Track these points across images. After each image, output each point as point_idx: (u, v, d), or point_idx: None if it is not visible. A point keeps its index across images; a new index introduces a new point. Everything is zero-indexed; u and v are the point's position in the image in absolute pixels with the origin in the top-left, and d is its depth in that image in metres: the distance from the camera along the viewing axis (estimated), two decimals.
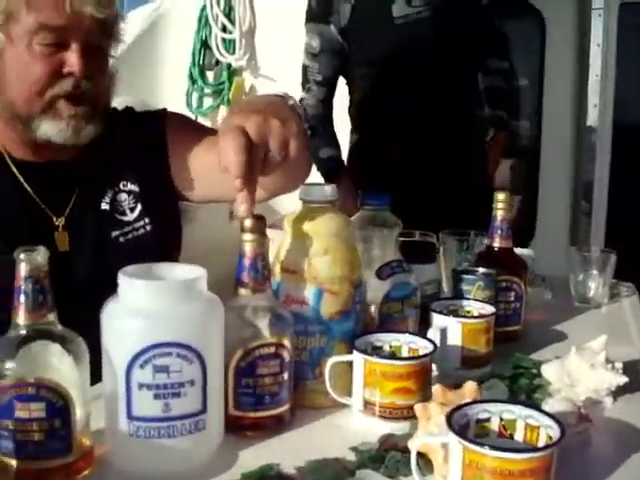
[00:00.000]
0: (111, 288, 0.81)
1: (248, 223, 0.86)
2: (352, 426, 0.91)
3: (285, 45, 3.15)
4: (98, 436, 0.81)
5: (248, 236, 0.86)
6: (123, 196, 1.25)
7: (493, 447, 0.64)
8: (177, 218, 1.31)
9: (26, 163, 1.20)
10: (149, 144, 1.27)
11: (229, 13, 3.17)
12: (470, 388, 0.81)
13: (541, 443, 0.69)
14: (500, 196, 1.26)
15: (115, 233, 1.22)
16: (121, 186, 1.25)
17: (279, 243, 0.96)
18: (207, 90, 3.28)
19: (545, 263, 2.25)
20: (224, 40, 3.19)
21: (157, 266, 0.84)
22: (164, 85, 3.22)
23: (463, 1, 2.00)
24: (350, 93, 2.07)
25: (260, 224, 0.86)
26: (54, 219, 1.19)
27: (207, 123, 2.85)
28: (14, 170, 1.18)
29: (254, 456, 0.83)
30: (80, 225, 1.21)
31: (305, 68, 2.01)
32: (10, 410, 0.73)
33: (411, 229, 1.24)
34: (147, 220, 1.24)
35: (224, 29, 3.18)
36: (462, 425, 0.70)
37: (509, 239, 1.27)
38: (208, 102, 3.28)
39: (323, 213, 0.95)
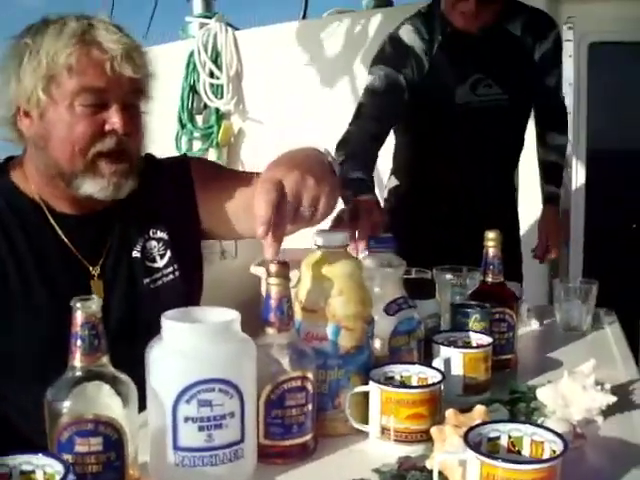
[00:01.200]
0: (143, 331, 0.90)
1: (274, 268, 0.95)
2: (371, 451, 1.00)
3: (271, 89, 3.30)
4: (143, 469, 0.89)
5: (274, 280, 0.95)
6: (153, 243, 1.31)
7: (506, 460, 0.73)
8: (201, 262, 1.39)
9: (63, 215, 1.26)
10: (177, 191, 1.34)
11: (216, 59, 3.30)
12: (479, 410, 0.90)
13: (546, 456, 0.79)
14: (490, 234, 1.36)
15: (146, 280, 1.29)
16: (151, 234, 1.32)
17: (298, 285, 1.06)
18: (196, 134, 3.40)
19: (528, 294, 2.38)
20: (212, 85, 3.32)
21: (194, 310, 0.94)
22: (154, 129, 3.32)
23: (529, 85, 2.06)
24: (397, 142, 2.14)
25: (285, 269, 0.96)
26: (90, 269, 1.26)
27: None
28: (52, 222, 1.25)
29: None
30: (114, 273, 1.27)
31: (360, 105, 1.93)
32: (70, 445, 0.81)
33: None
34: (176, 266, 1.31)
35: (212, 74, 3.31)
36: (476, 443, 0.79)
37: (500, 274, 1.38)
38: (197, 145, 3.40)
39: (337, 257, 1.05)
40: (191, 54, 3.33)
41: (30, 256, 1.22)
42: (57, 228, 1.25)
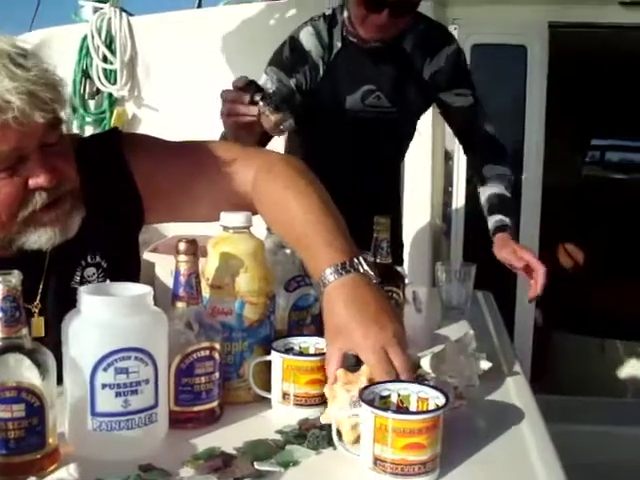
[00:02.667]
0: None
1: (182, 246, 1.02)
2: (273, 415, 1.09)
3: (166, 76, 3.32)
4: (60, 439, 0.93)
5: (183, 257, 1.02)
6: (91, 270, 1.22)
7: (396, 412, 0.84)
8: (139, 265, 1.35)
9: None
10: (112, 181, 1.22)
11: (110, 44, 3.28)
12: (364, 369, 1.00)
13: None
14: (381, 220, 1.46)
15: None
16: (89, 259, 1.22)
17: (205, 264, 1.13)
18: (88, 119, 3.37)
19: (412, 277, 2.54)
20: (105, 70, 3.29)
21: (110, 285, 1.00)
22: None
23: (420, 102, 2.08)
24: (289, 141, 2.15)
25: (193, 246, 1.03)
26: (30, 306, 1.15)
27: None
28: None
29: (196, 443, 0.98)
30: (54, 308, 1.16)
31: None
32: None
33: None
34: None
35: (105, 60, 3.28)
36: (370, 400, 0.90)
37: (389, 256, 1.49)
38: (89, 130, 3.37)
39: (241, 237, 1.13)
40: (84, 38, 3.30)
41: None
42: None
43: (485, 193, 2.02)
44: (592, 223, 4.45)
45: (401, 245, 2.36)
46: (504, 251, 1.86)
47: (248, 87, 1.40)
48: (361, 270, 1.06)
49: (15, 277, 0.87)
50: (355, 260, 1.07)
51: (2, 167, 1.03)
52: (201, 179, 1.27)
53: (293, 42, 1.95)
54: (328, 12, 1.97)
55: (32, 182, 1.05)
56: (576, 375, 3.35)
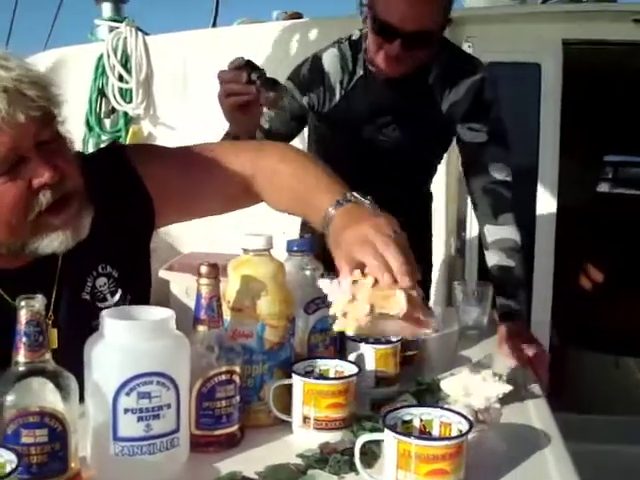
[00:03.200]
0: None
1: (204, 269, 1.03)
2: (294, 439, 1.09)
3: (182, 95, 3.34)
4: (81, 462, 0.93)
5: (205, 280, 1.03)
6: (102, 280, 1.21)
7: (419, 437, 0.84)
8: (150, 277, 1.33)
9: (2, 271, 1.13)
10: (123, 193, 1.23)
11: (126, 63, 3.30)
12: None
13: (454, 434, 0.90)
14: None
15: (96, 322, 1.03)
16: (100, 269, 1.21)
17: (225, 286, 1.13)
18: (104, 137, 3.39)
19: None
20: (120, 89, 3.32)
21: (132, 308, 1.00)
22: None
23: (438, 137, 1.97)
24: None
25: (214, 270, 1.03)
26: None
27: None
28: None
29: (217, 467, 0.98)
30: (66, 319, 1.16)
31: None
32: (17, 437, 0.85)
33: None
34: (128, 300, 1.22)
35: (121, 78, 3.31)
36: (392, 425, 0.89)
37: None
38: None
39: (262, 260, 1.13)
40: (100, 57, 3.32)
41: None
42: None
43: (489, 261, 1.79)
44: (605, 239, 4.43)
45: (430, 266, 2.33)
46: (505, 347, 1.58)
47: (245, 67, 1.43)
48: (355, 200, 1.11)
49: (38, 302, 0.88)
50: (348, 194, 1.12)
51: (2, 170, 1.02)
52: (206, 174, 1.30)
53: (314, 61, 1.91)
54: (355, 36, 1.91)
55: (35, 181, 1.05)
56: (591, 392, 3.32)
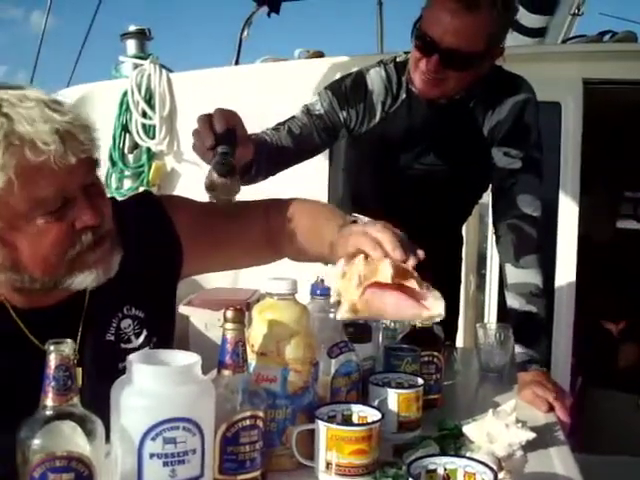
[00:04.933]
0: None
1: (230, 314, 1.03)
2: None
3: None
4: None
5: (230, 325, 1.03)
6: (127, 322, 1.23)
7: None
8: (174, 321, 1.36)
9: (28, 311, 1.16)
10: (153, 241, 1.27)
11: (150, 99, 3.36)
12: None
13: None
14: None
15: (122, 365, 1.07)
16: (125, 311, 1.23)
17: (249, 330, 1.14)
18: (127, 172, 3.43)
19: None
20: (144, 125, 3.36)
21: (157, 352, 1.01)
22: None
23: (479, 164, 1.84)
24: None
25: (240, 315, 1.04)
26: None
27: None
28: (16, 319, 1.15)
29: None
30: (90, 359, 1.18)
31: (291, 117, 1.83)
32: None
33: None
34: (152, 344, 1.24)
35: (144, 114, 3.36)
36: (416, 474, 0.89)
37: None
38: (127, 184, 3.43)
39: (286, 304, 1.14)
40: (124, 94, 3.39)
41: None
42: (20, 323, 1.15)
43: (508, 304, 1.70)
44: (626, 276, 4.39)
45: (457, 313, 2.30)
46: (525, 394, 1.53)
47: (221, 137, 1.32)
48: (355, 219, 1.21)
49: (68, 346, 0.89)
50: (348, 217, 1.23)
51: (49, 210, 1.05)
52: (233, 224, 1.35)
53: (359, 76, 1.84)
54: (400, 58, 1.85)
55: (79, 223, 1.08)
56: (614, 433, 3.28)
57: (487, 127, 1.80)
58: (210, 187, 1.28)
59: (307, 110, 1.82)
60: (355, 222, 1.19)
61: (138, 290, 1.24)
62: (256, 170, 1.59)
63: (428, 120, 1.81)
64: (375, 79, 1.83)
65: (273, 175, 1.74)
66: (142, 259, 1.24)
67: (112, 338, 1.22)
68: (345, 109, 1.82)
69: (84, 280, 1.12)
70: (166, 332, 1.31)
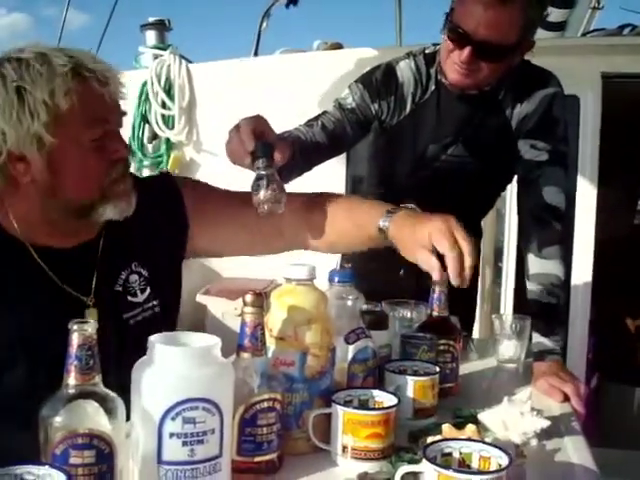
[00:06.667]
0: (127, 364, 0.96)
1: (249, 298, 1.05)
2: (332, 468, 1.10)
3: (225, 122, 3.39)
4: None
5: (249, 309, 1.05)
6: (134, 277, 1.33)
7: (457, 470, 0.85)
8: (179, 291, 1.44)
9: (49, 250, 1.26)
10: (164, 214, 1.38)
11: (169, 90, 3.37)
12: (470, 428, 1.02)
13: (493, 469, 0.91)
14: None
15: (126, 315, 1.31)
16: (133, 267, 1.34)
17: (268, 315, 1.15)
18: (146, 162, 3.45)
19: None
20: (163, 116, 3.38)
21: (178, 334, 1.02)
22: None
23: (506, 156, 1.84)
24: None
25: (259, 299, 1.05)
26: (84, 299, 1.28)
27: None
28: (37, 258, 1.25)
29: None
30: (102, 304, 1.28)
31: (323, 112, 1.84)
32: (65, 458, 0.88)
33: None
34: (155, 302, 1.35)
35: (164, 105, 3.37)
36: (432, 457, 0.90)
37: (446, 309, 1.50)
38: (146, 173, 3.45)
39: (305, 289, 1.15)
40: (144, 84, 3.40)
41: (17, 291, 1.23)
42: (41, 262, 1.25)
43: (528, 294, 1.69)
44: None
45: (475, 305, 2.30)
46: (540, 384, 1.53)
47: (254, 152, 1.36)
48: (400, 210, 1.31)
49: (91, 326, 0.91)
50: (390, 207, 1.33)
51: (97, 135, 1.20)
52: (243, 208, 1.39)
53: (388, 68, 1.85)
54: (429, 50, 1.85)
55: (116, 154, 1.24)
56: (630, 428, 3.27)
57: (515, 119, 1.81)
58: (259, 204, 1.34)
59: (339, 104, 1.84)
60: (402, 209, 1.31)
61: (146, 250, 1.36)
62: (291, 168, 1.59)
63: (457, 111, 1.82)
64: (405, 71, 1.83)
65: (308, 171, 1.76)
66: (151, 224, 1.36)
67: (120, 289, 1.32)
68: (377, 101, 1.83)
69: (113, 211, 1.25)
70: (170, 299, 1.40)
